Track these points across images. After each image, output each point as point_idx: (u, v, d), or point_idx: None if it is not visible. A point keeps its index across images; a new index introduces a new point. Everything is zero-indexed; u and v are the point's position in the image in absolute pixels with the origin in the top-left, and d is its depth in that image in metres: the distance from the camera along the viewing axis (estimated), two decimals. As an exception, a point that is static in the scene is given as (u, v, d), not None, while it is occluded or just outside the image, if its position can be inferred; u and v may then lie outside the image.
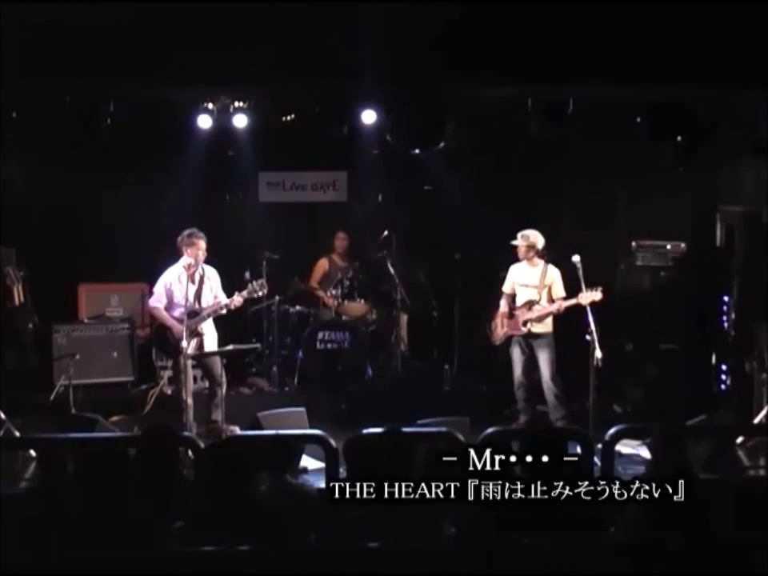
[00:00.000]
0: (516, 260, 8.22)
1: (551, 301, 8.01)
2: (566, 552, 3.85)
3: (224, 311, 7.83)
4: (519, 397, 8.17)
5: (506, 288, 8.28)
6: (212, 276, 7.96)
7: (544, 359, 8.01)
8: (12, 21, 6.65)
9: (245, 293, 7.80)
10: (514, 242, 8.09)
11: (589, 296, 7.64)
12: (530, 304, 8.06)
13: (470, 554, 3.87)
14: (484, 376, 9.32)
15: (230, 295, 7.86)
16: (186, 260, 7.76)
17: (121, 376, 9.16)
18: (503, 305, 8.21)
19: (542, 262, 8.06)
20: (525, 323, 8.03)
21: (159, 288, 7.89)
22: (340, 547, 3.93)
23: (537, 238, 8.05)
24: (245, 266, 9.15)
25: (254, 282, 7.88)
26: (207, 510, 4.17)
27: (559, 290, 8.02)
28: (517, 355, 8.15)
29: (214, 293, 7.93)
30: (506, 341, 8.21)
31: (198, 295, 7.82)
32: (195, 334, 7.72)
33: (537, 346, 8.06)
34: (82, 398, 8.48)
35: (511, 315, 8.14)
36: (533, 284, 8.09)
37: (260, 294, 7.99)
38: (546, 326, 8.05)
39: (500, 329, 8.25)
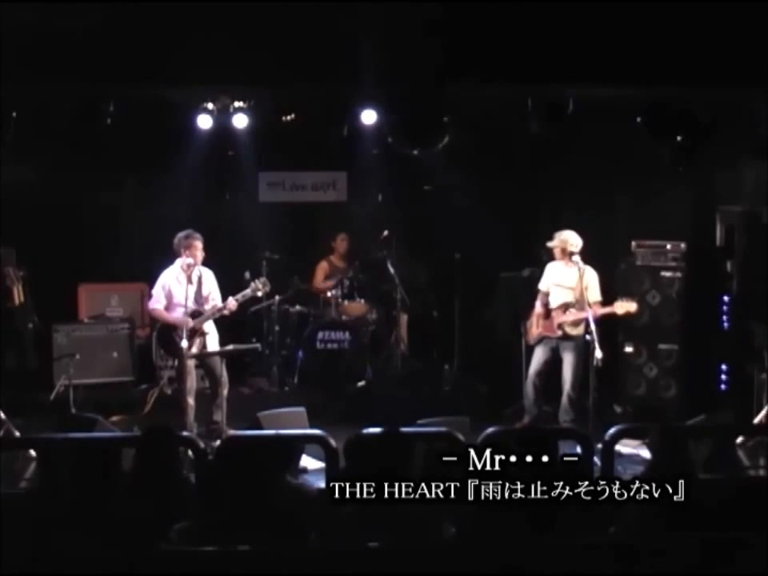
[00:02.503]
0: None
1: (587, 303, 7.74)
2: (565, 552, 3.85)
3: (226, 312, 7.82)
4: (528, 394, 8.09)
5: (543, 286, 8.17)
6: (209, 277, 7.97)
7: (569, 362, 7.88)
8: (12, 21, 6.65)
9: (240, 296, 7.81)
10: (550, 244, 8.01)
11: (625, 306, 7.62)
12: (565, 307, 7.91)
13: (470, 553, 3.87)
14: (484, 376, 9.33)
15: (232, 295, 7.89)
16: (183, 261, 7.78)
17: (121, 376, 9.17)
18: (539, 305, 8.10)
19: (579, 264, 7.82)
20: (559, 326, 7.92)
21: (158, 290, 7.90)
22: (340, 547, 3.93)
23: (570, 240, 7.92)
24: (245, 266, 9.15)
25: (257, 281, 7.90)
26: (207, 511, 4.17)
27: (595, 294, 7.81)
28: (540, 354, 8.06)
29: (211, 294, 7.95)
30: (539, 340, 8.10)
31: (198, 295, 7.83)
32: (199, 333, 7.73)
33: (564, 347, 7.93)
34: (82, 398, 8.51)
35: (547, 316, 8.03)
36: (569, 285, 7.93)
37: (262, 292, 7.99)
38: (579, 329, 7.84)
39: (535, 329, 8.13)
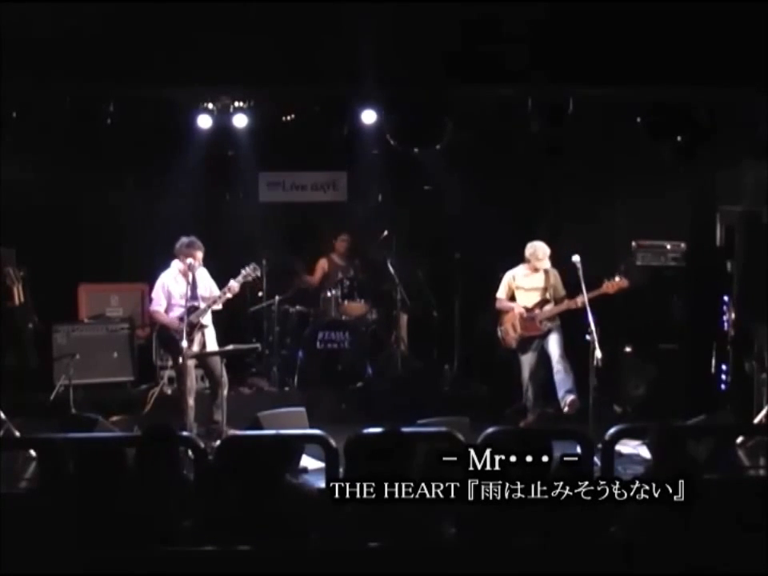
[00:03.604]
0: (513, 264, 8.26)
1: (556, 300, 8.10)
2: (566, 552, 3.85)
3: (228, 295, 7.77)
4: (529, 396, 8.20)
5: (501, 293, 8.32)
6: (203, 275, 8.00)
7: (554, 341, 8.09)
8: (13, 20, 6.65)
9: (240, 278, 7.79)
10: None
11: (615, 284, 7.72)
12: (541, 304, 8.13)
13: (470, 553, 3.87)
14: (484, 376, 9.33)
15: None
16: (179, 264, 7.80)
17: (121, 376, 9.17)
18: (516, 308, 8.20)
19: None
20: (541, 322, 8.09)
21: (157, 292, 7.92)
22: (340, 547, 3.93)
23: (538, 251, 8.08)
24: (245, 266, 9.13)
25: (246, 267, 7.85)
26: (207, 511, 4.17)
27: (561, 289, 8.15)
28: (528, 356, 8.20)
29: (208, 290, 7.96)
30: (521, 344, 8.22)
31: (194, 293, 7.84)
32: (198, 326, 7.73)
33: (547, 339, 8.14)
34: (81, 397, 8.51)
35: (528, 317, 8.14)
36: (539, 286, 8.18)
37: (254, 276, 7.94)
38: (556, 319, 8.16)
39: (513, 332, 8.24)
